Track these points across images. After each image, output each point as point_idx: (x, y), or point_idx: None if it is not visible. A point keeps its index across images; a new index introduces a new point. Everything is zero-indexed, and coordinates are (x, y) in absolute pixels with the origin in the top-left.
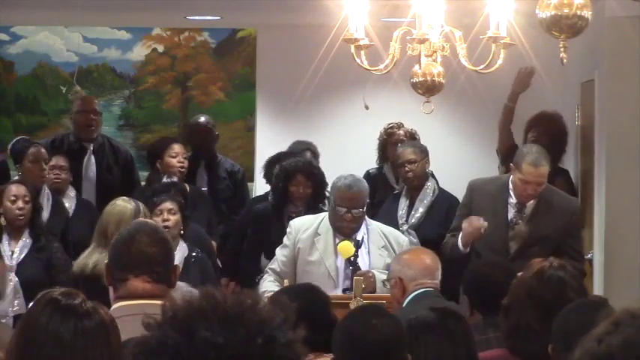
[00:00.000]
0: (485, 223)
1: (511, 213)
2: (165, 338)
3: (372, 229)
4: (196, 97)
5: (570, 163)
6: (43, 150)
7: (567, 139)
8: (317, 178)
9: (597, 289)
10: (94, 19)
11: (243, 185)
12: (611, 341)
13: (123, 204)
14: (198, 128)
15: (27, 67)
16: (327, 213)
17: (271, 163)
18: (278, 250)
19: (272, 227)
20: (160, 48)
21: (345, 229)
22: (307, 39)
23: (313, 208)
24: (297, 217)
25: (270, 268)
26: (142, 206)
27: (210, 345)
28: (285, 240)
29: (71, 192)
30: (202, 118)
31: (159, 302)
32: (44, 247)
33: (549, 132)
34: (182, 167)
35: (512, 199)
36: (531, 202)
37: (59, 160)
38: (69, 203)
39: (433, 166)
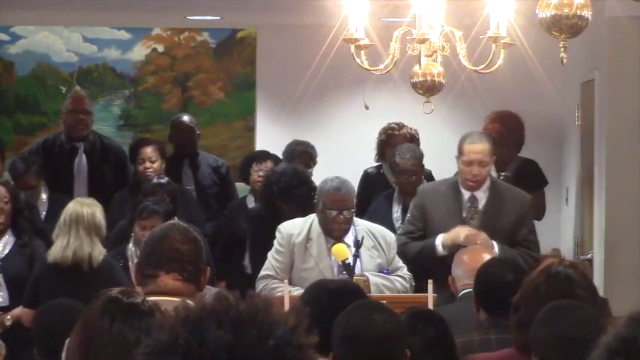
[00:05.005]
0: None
1: (465, 210)
2: (177, 338)
3: (360, 230)
4: (196, 97)
5: (571, 162)
6: None
7: (524, 129)
8: (302, 193)
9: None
10: (94, 19)
11: (229, 179)
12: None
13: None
14: (180, 127)
15: (27, 67)
16: (315, 215)
17: (246, 163)
18: (271, 256)
19: (268, 228)
20: (160, 48)
21: (337, 231)
22: (307, 39)
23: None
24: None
25: (266, 274)
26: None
27: (221, 345)
28: (278, 246)
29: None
30: (185, 117)
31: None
32: (27, 243)
33: (508, 128)
34: (149, 171)
35: (465, 196)
36: (483, 196)
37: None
38: (41, 207)
39: (433, 166)
